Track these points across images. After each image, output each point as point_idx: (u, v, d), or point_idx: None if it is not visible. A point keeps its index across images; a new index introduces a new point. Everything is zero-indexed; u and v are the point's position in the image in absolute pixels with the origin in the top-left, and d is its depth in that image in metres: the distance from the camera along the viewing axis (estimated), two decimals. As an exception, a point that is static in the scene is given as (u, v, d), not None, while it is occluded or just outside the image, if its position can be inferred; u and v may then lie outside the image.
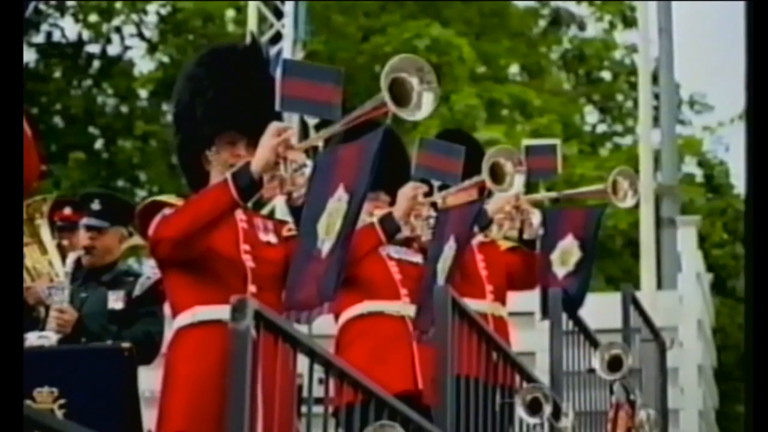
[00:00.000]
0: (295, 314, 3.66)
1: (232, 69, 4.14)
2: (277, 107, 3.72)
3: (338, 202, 3.59)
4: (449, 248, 4.72)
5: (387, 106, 3.62)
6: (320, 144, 3.80)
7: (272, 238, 4.04)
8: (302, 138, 3.73)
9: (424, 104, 3.68)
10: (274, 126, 3.72)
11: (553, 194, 5.32)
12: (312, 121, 3.54)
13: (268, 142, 3.71)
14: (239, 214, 3.98)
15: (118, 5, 13.99)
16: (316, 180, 3.63)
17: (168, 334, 4.45)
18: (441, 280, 4.62)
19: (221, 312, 3.38)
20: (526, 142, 5.29)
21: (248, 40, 4.77)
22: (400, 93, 3.65)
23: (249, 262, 3.94)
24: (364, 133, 3.70)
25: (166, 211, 3.88)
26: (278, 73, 3.69)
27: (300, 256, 3.65)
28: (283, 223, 4.13)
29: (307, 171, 3.68)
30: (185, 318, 3.93)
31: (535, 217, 5.16)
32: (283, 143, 3.70)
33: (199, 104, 4.10)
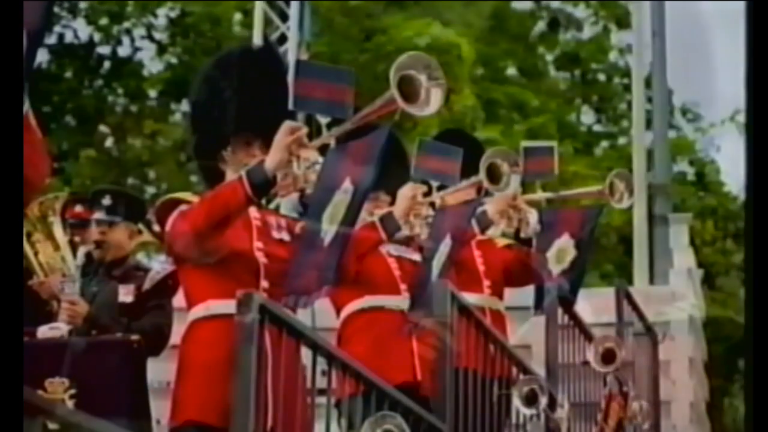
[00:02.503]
0: (294, 298, 3.75)
1: (248, 70, 4.22)
2: (291, 107, 3.81)
3: (344, 194, 3.68)
4: (445, 245, 4.84)
5: (396, 104, 3.70)
6: (332, 142, 3.88)
7: (285, 236, 4.14)
8: (312, 136, 3.81)
9: (432, 100, 3.77)
10: (287, 124, 3.80)
11: (550, 195, 5.41)
12: (324, 120, 3.64)
13: (281, 140, 3.79)
14: (253, 212, 4.08)
15: (128, 8, 14.06)
16: (324, 174, 3.73)
17: (178, 327, 4.56)
18: (435, 275, 4.74)
19: (234, 306, 3.47)
20: (524, 143, 5.38)
21: (260, 41, 4.87)
22: (409, 90, 3.73)
23: (262, 259, 4.03)
24: (370, 132, 3.80)
25: (183, 207, 3.99)
26: (292, 74, 3.78)
27: (304, 244, 3.75)
28: (296, 220, 4.21)
29: (318, 167, 3.76)
30: (199, 311, 4.03)
31: (532, 216, 5.26)
32: (296, 141, 3.78)
33: (215, 105, 4.19)
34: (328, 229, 3.71)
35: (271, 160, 3.82)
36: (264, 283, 3.99)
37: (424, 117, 3.79)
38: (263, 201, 4.16)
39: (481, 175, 5.01)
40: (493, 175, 5.04)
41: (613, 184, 5.36)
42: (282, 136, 3.80)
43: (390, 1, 15.84)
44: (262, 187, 3.85)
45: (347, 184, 3.72)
